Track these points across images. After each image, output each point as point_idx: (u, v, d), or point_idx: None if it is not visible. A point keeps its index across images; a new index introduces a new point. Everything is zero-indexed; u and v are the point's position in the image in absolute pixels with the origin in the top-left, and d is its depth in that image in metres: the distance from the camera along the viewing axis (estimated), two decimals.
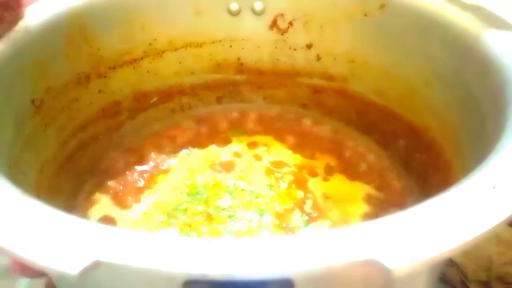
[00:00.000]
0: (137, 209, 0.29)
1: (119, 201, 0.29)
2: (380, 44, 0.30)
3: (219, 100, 0.38)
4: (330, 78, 0.35)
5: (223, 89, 0.38)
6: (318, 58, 0.34)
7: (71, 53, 0.26)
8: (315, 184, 0.31)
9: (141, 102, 0.34)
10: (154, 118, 0.36)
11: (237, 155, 0.34)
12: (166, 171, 0.32)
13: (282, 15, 0.33)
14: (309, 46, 0.34)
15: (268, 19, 0.33)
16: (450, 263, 0.30)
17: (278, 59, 0.36)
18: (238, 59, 0.36)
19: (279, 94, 0.38)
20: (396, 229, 0.14)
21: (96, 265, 0.12)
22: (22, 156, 0.22)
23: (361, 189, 0.31)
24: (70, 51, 0.26)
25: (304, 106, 0.38)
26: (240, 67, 0.37)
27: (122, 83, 0.32)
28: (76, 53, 0.27)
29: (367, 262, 0.13)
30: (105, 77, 0.30)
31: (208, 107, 0.38)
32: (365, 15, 0.30)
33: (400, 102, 0.30)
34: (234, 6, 0.33)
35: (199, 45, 0.34)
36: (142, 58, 0.32)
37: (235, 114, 0.38)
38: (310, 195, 0.30)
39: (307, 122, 0.37)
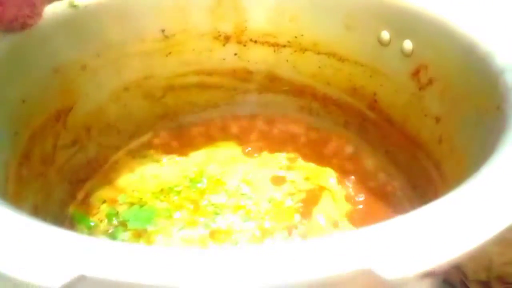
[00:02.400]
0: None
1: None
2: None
3: (346, 125, 0.35)
4: (441, 174, 0.25)
5: (353, 117, 0.34)
6: (440, 140, 0.25)
7: (217, 12, 0.31)
8: None
9: (273, 83, 0.36)
10: (282, 105, 0.37)
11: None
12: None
13: (426, 67, 0.25)
14: (437, 120, 0.25)
15: (412, 64, 0.26)
16: None
17: (408, 116, 0.28)
18: (374, 94, 0.31)
19: (400, 158, 0.30)
20: (392, 236, 0.12)
21: (79, 280, 0.11)
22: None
23: None
24: (216, 9, 0.31)
25: (414, 187, 0.29)
26: (374, 103, 0.31)
27: (259, 58, 0.34)
28: (221, 14, 0.32)
29: (362, 272, 0.11)
30: (245, 46, 0.34)
31: (333, 126, 0.35)
32: (498, 108, 0.19)
33: None
34: (385, 35, 0.27)
35: (342, 59, 0.32)
36: (284, 46, 0.33)
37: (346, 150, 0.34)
38: None
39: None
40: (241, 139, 0.36)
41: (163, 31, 0.32)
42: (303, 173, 0.33)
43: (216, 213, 0.30)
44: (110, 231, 0.28)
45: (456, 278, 0.29)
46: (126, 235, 0.29)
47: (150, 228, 0.29)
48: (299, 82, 0.35)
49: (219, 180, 0.32)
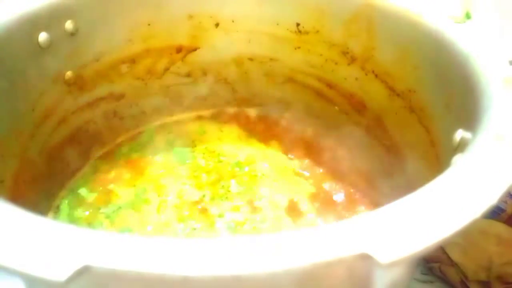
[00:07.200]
0: None
1: None
2: None
3: None
4: None
5: None
6: None
7: (350, 27, 0.28)
8: None
9: (380, 131, 0.30)
10: (379, 159, 0.30)
11: None
12: None
13: None
14: None
15: None
16: (450, 263, 0.29)
17: None
18: None
19: None
20: (385, 222, 0.13)
21: (84, 271, 0.12)
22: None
23: None
24: (350, 24, 0.28)
25: None
26: None
27: (376, 96, 0.29)
28: (354, 30, 0.28)
29: (359, 256, 0.12)
30: (366, 75, 0.29)
31: None
32: None
33: None
34: (459, 134, 0.17)
35: (433, 143, 0.23)
36: (398, 95, 0.27)
37: None
38: None
39: None
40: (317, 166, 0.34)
41: (298, 24, 0.32)
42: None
43: (223, 198, 0.31)
44: (159, 147, 0.35)
45: (456, 278, 0.29)
46: (160, 158, 0.34)
47: (177, 165, 0.33)
48: (398, 146, 0.29)
49: (255, 176, 0.33)
